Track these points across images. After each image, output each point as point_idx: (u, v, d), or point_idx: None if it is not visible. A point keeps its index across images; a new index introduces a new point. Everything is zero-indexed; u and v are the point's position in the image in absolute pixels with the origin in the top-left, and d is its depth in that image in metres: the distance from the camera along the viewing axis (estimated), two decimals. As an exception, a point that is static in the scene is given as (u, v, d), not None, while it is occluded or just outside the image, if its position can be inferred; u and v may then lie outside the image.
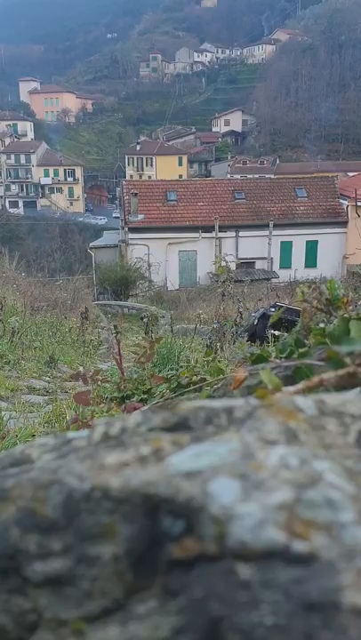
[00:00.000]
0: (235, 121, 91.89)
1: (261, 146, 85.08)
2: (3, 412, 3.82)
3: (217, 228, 31.82)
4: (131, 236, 31.89)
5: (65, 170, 75.41)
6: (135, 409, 2.25)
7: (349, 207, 32.87)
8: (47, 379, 5.94)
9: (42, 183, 74.24)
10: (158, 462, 0.52)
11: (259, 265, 32.55)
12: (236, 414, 0.59)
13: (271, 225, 32.27)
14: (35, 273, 18.10)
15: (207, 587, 0.43)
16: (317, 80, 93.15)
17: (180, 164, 70.33)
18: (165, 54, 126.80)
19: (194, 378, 2.13)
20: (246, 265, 30.93)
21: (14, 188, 74.98)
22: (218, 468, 0.49)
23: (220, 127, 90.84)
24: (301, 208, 33.86)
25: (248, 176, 47.42)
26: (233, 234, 32.79)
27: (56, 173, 74.97)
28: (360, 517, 0.44)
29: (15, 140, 78.36)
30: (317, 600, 0.40)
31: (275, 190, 34.74)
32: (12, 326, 7.07)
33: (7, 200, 73.87)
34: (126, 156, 75.51)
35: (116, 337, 3.07)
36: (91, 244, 36.45)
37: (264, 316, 7.46)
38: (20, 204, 73.61)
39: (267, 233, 32.39)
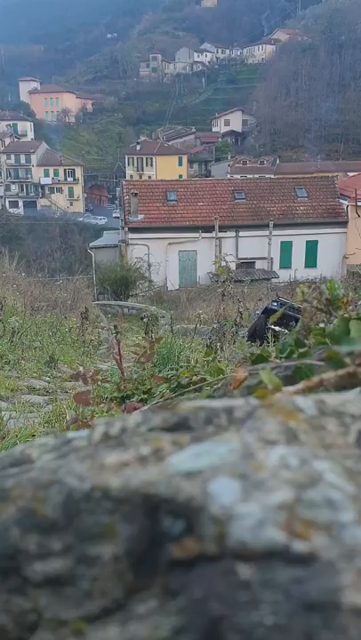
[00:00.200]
0: (235, 121, 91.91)
1: (261, 146, 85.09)
2: (3, 412, 3.82)
3: (217, 228, 31.82)
4: (131, 236, 31.89)
5: (65, 170, 75.41)
6: (135, 409, 2.24)
7: (349, 207, 32.88)
8: (47, 379, 5.94)
9: (42, 183, 74.24)
10: (158, 462, 0.52)
11: (259, 265, 32.56)
12: (236, 414, 0.59)
13: (271, 225, 32.28)
14: (35, 273, 18.10)
15: (207, 587, 0.43)
16: (317, 80, 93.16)
17: (180, 164, 70.33)
18: (165, 54, 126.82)
19: (194, 378, 2.13)
20: (246, 265, 30.93)
21: (14, 188, 74.99)
22: (218, 468, 0.49)
23: (220, 127, 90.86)
24: (301, 208, 33.86)
25: (248, 176, 47.42)
26: (233, 234, 32.79)
27: (56, 173, 74.98)
28: (360, 517, 0.44)
29: (15, 139, 78.37)
30: (317, 600, 0.40)
31: (275, 190, 34.74)
32: (12, 326, 7.07)
33: (7, 200, 73.87)
34: (126, 156, 75.52)
35: (116, 337, 3.07)
36: (91, 244, 36.46)
37: (267, 311, 7.48)
38: (20, 204, 73.62)
39: (267, 233, 32.39)
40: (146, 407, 1.97)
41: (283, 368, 1.03)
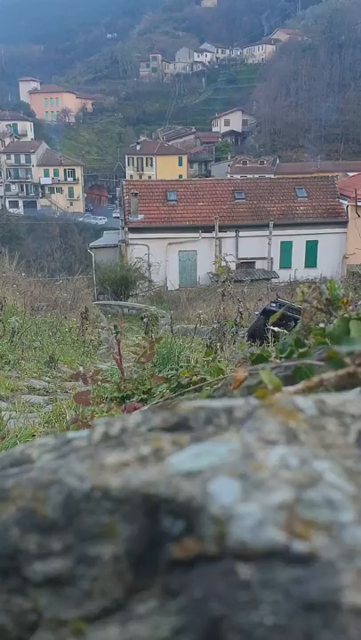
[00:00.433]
0: (235, 121, 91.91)
1: (261, 146, 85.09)
2: (3, 412, 3.82)
3: (217, 228, 31.83)
4: (131, 236, 31.89)
5: (65, 170, 75.42)
6: (135, 409, 2.24)
7: (349, 207, 32.88)
8: (47, 379, 5.94)
9: (42, 183, 74.24)
10: (158, 462, 0.52)
11: (259, 265, 32.56)
12: (236, 414, 0.59)
13: (271, 225, 32.28)
14: (35, 273, 18.10)
15: (207, 587, 0.43)
16: (317, 80, 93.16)
17: (180, 164, 70.33)
18: (165, 54, 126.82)
19: (194, 378, 2.13)
20: (246, 265, 30.92)
21: (14, 188, 74.99)
22: (218, 468, 0.49)
23: (220, 127, 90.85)
24: (301, 208, 33.87)
25: (248, 176, 47.43)
26: (233, 234, 32.79)
27: (56, 173, 74.98)
28: (360, 517, 0.44)
29: (15, 140, 78.37)
30: (317, 600, 0.40)
31: (275, 190, 34.75)
32: (12, 326, 7.07)
33: (7, 200, 73.88)
34: (126, 156, 75.51)
35: (116, 337, 3.07)
36: (91, 244, 36.47)
37: (266, 312, 7.48)
38: (20, 204, 73.62)
39: (267, 233, 32.39)
40: (146, 407, 1.97)
41: (283, 368, 1.03)
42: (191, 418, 0.59)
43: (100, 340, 9.52)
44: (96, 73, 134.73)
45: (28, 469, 0.57)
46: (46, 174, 74.58)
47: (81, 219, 67.99)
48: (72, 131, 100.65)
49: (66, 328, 9.75)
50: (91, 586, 0.48)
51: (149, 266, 30.05)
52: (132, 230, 31.93)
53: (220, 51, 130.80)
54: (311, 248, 33.11)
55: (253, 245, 32.33)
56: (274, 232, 32.42)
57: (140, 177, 63.21)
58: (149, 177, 61.19)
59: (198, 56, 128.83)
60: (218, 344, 6.21)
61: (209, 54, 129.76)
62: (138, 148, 73.58)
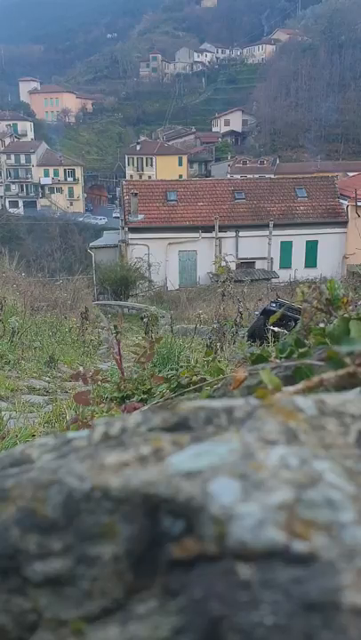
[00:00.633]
0: (235, 121, 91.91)
1: (261, 146, 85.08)
2: (3, 412, 3.82)
3: (217, 228, 31.83)
4: (131, 236, 31.89)
5: (65, 170, 75.42)
6: (135, 409, 2.24)
7: (349, 207, 32.88)
8: (47, 379, 5.94)
9: (42, 183, 74.24)
10: (158, 462, 0.52)
11: (259, 265, 32.56)
12: (236, 414, 0.59)
13: (271, 225, 32.28)
14: (35, 273, 18.10)
15: (207, 587, 0.43)
16: (317, 80, 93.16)
17: (180, 164, 70.32)
18: (165, 54, 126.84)
19: (194, 378, 2.13)
20: (246, 265, 30.93)
21: (14, 188, 74.99)
22: (218, 468, 0.49)
23: (220, 127, 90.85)
24: (301, 208, 33.87)
25: (248, 176, 47.43)
26: (233, 234, 32.79)
27: (56, 173, 74.98)
28: (360, 517, 0.44)
29: (15, 140, 78.36)
30: (317, 600, 0.40)
31: (275, 190, 34.75)
32: (12, 326, 7.07)
33: (7, 200, 73.88)
34: (126, 156, 75.51)
35: (116, 337, 3.07)
36: (91, 244, 36.48)
37: (265, 312, 7.48)
38: (20, 203, 73.62)
39: (267, 233, 32.39)
40: (146, 407, 1.97)
41: (283, 368, 1.03)
42: (191, 418, 0.59)
43: (100, 339, 9.53)
44: (96, 73, 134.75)
45: (28, 469, 0.57)
46: (46, 174, 74.59)
47: (81, 219, 68.00)
48: (72, 131, 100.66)
49: (66, 328, 9.75)
50: (91, 586, 0.48)
51: (149, 266, 30.05)
52: (132, 230, 31.94)
53: (220, 51, 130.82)
54: (311, 248, 33.11)
55: (253, 245, 32.34)
56: (274, 232, 32.42)
57: (140, 177, 63.21)
58: (149, 177, 61.19)
59: (198, 56, 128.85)
60: (218, 344, 6.21)
61: (209, 54, 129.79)
62: (138, 148, 73.58)
